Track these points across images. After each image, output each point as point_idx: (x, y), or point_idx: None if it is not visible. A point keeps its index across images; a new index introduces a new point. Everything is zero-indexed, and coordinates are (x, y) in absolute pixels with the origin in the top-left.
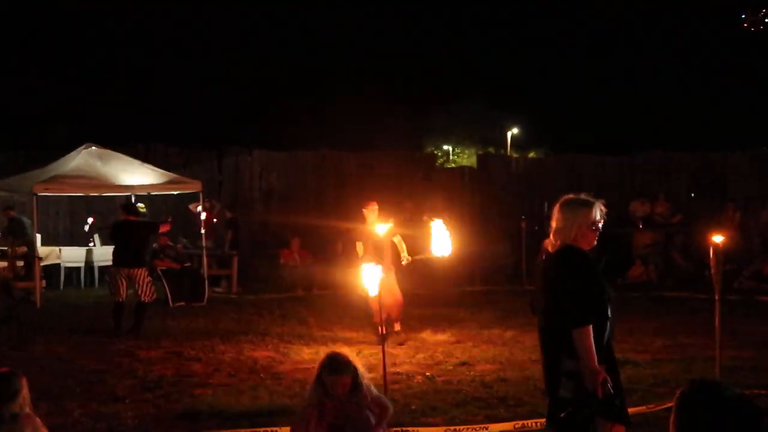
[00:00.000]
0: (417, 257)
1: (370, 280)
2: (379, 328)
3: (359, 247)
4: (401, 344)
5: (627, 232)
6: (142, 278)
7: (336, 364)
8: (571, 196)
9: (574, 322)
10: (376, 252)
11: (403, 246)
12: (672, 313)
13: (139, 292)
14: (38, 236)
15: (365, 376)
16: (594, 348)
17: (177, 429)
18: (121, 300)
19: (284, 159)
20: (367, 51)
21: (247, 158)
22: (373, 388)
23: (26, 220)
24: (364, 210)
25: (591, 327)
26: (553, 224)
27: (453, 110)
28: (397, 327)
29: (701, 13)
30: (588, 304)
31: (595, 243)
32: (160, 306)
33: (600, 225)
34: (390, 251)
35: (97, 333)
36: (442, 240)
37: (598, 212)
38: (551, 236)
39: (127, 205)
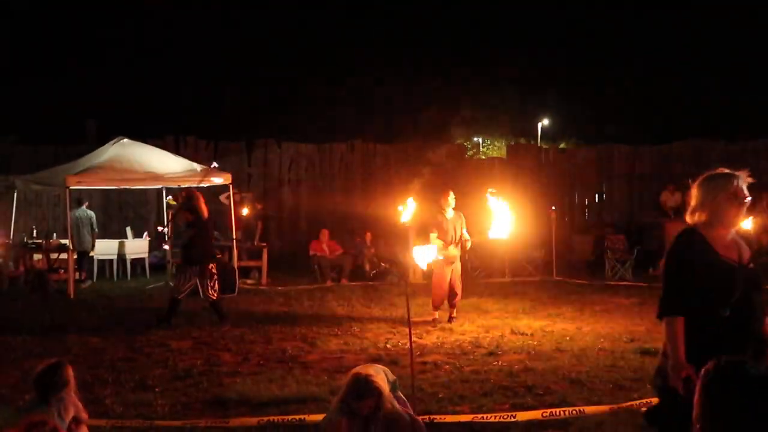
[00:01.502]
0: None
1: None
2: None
3: (433, 237)
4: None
5: (659, 223)
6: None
7: (361, 391)
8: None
9: (661, 310)
10: (452, 237)
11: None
12: None
13: (212, 287)
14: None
15: (390, 397)
16: (681, 341)
17: (207, 416)
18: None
19: (313, 151)
20: (396, 43)
21: (275, 150)
22: (397, 407)
23: (85, 214)
24: (442, 199)
25: (680, 318)
26: (691, 202)
27: (484, 101)
28: (454, 313)
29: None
30: (678, 292)
31: (740, 219)
32: (190, 297)
33: (746, 198)
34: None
35: (128, 324)
36: (501, 220)
37: (739, 182)
38: (687, 217)
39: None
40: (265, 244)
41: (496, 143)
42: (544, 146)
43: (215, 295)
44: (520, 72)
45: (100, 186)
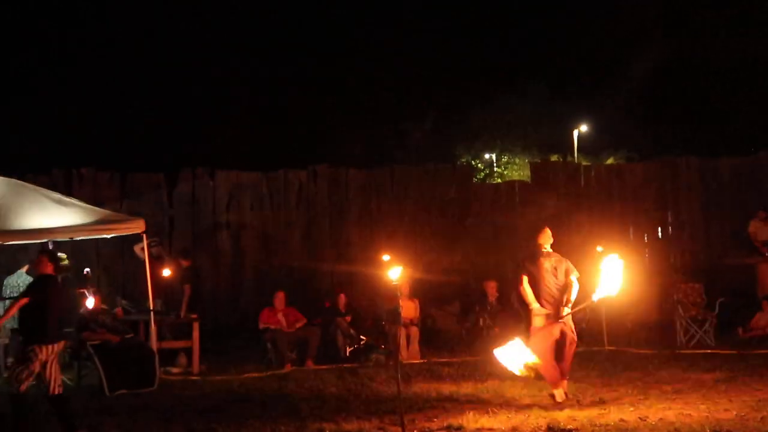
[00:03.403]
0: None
1: None
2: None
3: (525, 283)
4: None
5: (748, 264)
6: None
7: None
8: None
9: None
10: (555, 292)
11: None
12: None
13: (51, 380)
14: None
15: None
16: None
17: None
18: (24, 391)
19: (260, 181)
20: (375, 29)
21: (207, 183)
22: None
23: (18, 281)
24: (537, 238)
25: None
26: None
27: (496, 108)
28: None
29: None
30: None
31: None
32: (91, 396)
33: None
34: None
35: None
36: (611, 277)
37: None
38: None
39: (50, 252)
40: (195, 315)
41: (516, 160)
42: (583, 162)
43: (59, 388)
44: (546, 63)
45: None
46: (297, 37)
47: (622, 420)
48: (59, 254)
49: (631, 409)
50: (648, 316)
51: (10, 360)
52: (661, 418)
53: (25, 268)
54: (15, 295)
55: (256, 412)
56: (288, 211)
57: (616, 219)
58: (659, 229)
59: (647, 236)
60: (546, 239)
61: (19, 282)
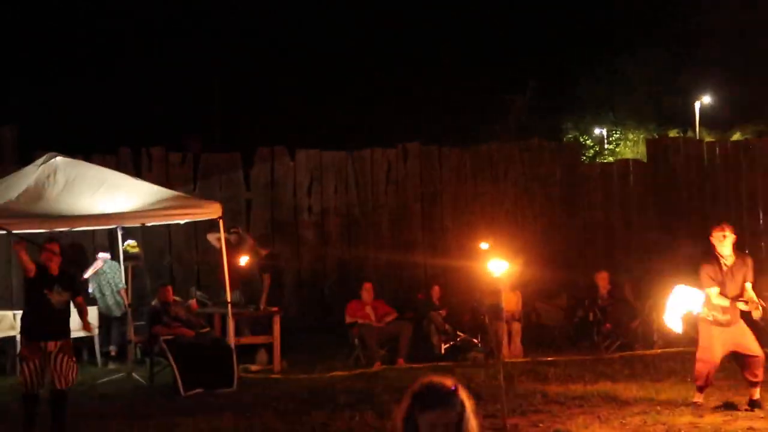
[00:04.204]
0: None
1: None
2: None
3: (708, 287)
4: None
5: None
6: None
7: (434, 396)
8: None
9: None
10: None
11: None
12: None
13: (58, 375)
14: None
15: (472, 420)
16: None
17: None
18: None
19: (344, 161)
20: None
21: (288, 163)
22: None
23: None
24: (711, 237)
25: None
26: None
27: (608, 76)
28: (757, 394)
29: None
30: None
31: None
32: (165, 396)
33: None
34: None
35: None
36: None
37: None
38: None
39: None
40: (276, 308)
41: (629, 136)
42: (707, 138)
43: (65, 383)
44: (666, 25)
45: (19, 230)
46: (385, 7)
47: (750, 428)
48: (128, 242)
49: (762, 415)
50: None
51: (113, 348)
52: None
53: (107, 255)
54: (114, 284)
55: (342, 414)
56: (376, 194)
57: (744, 203)
58: None
59: None
60: (722, 238)
61: (106, 270)
